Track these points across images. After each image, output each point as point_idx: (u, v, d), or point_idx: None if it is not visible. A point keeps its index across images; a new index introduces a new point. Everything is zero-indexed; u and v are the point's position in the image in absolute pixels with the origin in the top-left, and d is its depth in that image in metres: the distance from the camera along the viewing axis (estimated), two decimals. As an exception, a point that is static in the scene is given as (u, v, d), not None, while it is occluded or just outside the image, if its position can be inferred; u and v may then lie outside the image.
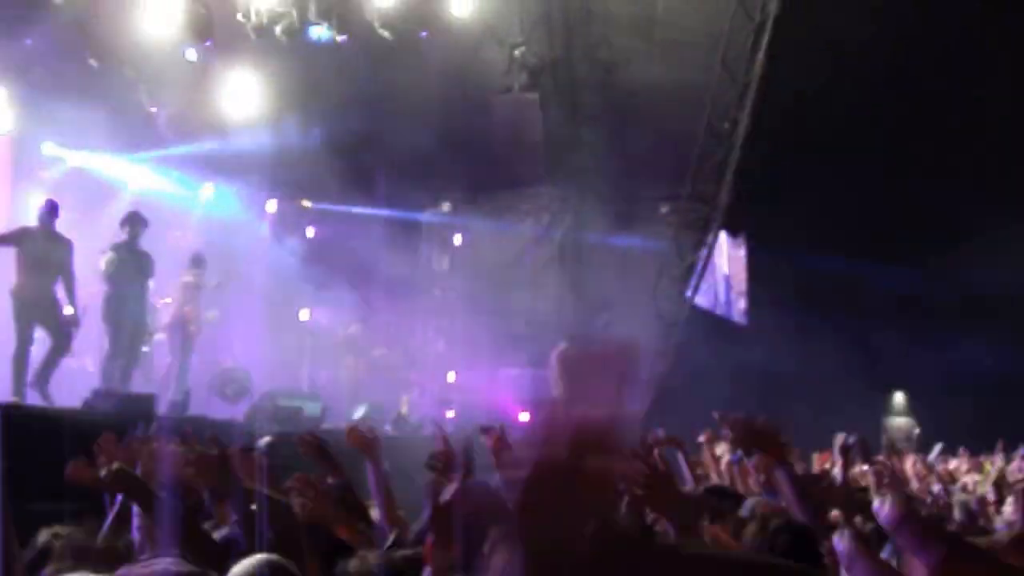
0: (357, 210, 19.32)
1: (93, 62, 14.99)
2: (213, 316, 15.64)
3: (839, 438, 7.58)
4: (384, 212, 20.08)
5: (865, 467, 8.63)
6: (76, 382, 12.51)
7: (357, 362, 18.01)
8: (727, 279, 25.40)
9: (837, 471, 7.71)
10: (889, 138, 20.83)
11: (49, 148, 16.03)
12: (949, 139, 20.42)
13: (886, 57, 19.35)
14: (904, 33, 18.85)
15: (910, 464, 11.65)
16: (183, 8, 14.87)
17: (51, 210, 12.10)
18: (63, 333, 11.85)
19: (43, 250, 11.79)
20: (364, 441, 5.41)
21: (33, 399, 11.32)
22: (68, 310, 11.94)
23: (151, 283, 13.39)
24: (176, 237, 16.55)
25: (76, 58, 14.76)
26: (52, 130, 15.43)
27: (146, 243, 13.14)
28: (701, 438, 9.11)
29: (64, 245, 12.09)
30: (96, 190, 16.31)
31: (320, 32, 16.60)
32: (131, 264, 12.68)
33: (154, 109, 16.65)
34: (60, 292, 12.01)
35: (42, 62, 14.43)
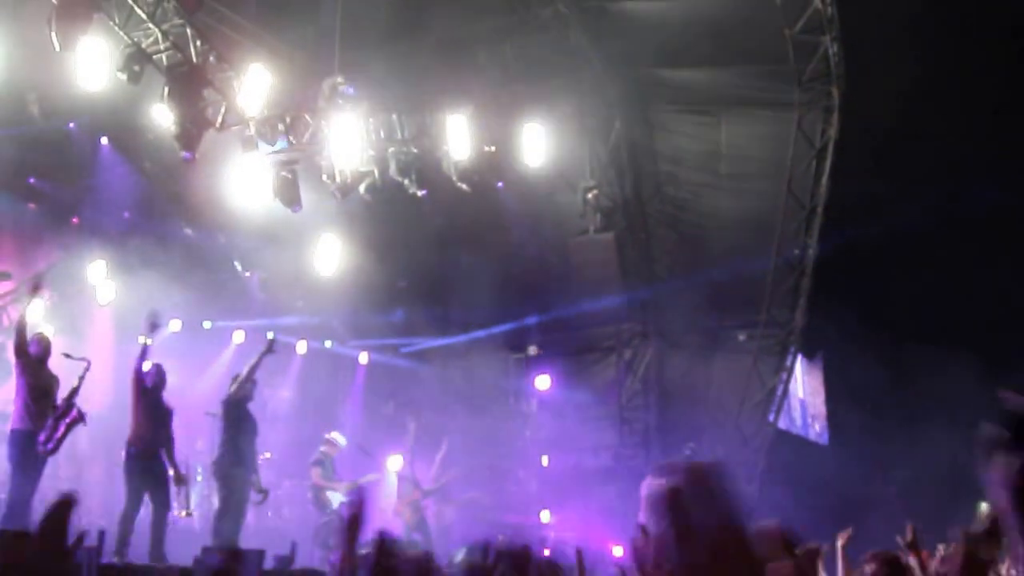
0: (443, 355, 18.89)
1: (188, 231, 14.80)
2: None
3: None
4: (469, 353, 19.45)
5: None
6: (179, 539, 11.91)
7: (449, 506, 17.24)
8: (803, 403, 24.67)
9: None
10: (961, 254, 19.87)
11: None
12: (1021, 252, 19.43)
13: (950, 168, 18.53)
14: (969, 144, 18.08)
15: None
16: (271, 175, 14.65)
17: (159, 375, 11.62)
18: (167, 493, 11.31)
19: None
20: None
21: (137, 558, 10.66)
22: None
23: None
24: (273, 394, 16.10)
25: (171, 227, 14.58)
26: (151, 297, 15.05)
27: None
28: None
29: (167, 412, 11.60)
30: (198, 354, 15.90)
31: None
32: (242, 424, 12.14)
33: (248, 273, 16.48)
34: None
35: (140, 232, 14.24)
